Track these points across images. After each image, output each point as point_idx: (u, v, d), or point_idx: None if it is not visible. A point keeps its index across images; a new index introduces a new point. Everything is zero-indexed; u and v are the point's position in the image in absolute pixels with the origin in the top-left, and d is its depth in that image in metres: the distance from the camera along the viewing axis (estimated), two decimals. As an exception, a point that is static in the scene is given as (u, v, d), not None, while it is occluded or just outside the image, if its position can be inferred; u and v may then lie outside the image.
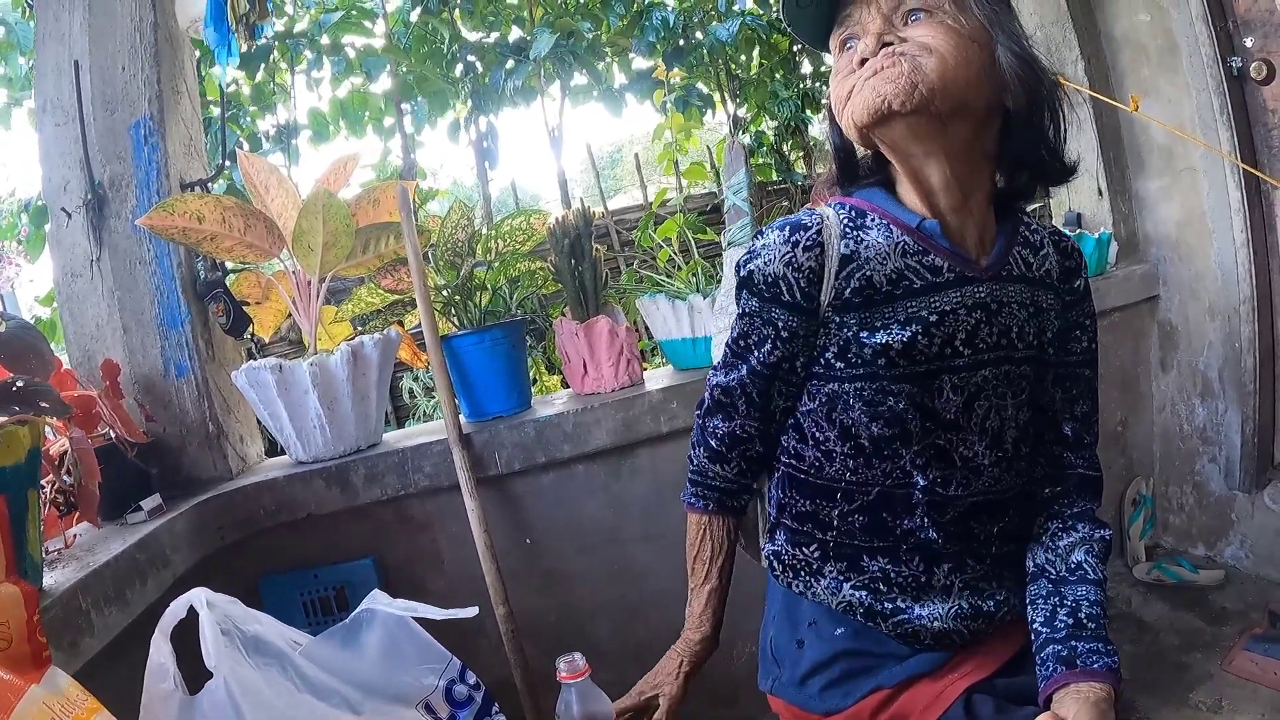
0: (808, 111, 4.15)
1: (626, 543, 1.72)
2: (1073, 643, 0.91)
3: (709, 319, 1.73)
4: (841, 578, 1.00)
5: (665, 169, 3.84)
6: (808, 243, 0.94)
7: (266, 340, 1.89)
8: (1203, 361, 2.22)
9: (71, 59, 1.55)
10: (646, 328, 1.99)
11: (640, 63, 3.47)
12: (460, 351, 1.65)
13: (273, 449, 1.84)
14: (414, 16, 3.05)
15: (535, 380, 2.43)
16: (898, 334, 0.92)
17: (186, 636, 0.96)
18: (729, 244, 1.71)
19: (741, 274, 0.99)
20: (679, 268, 1.92)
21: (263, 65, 2.91)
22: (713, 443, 1.05)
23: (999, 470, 0.98)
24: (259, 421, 1.73)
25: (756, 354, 0.99)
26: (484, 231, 1.76)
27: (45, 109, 1.57)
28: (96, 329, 1.56)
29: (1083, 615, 0.93)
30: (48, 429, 1.18)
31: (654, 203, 2.11)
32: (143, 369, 1.54)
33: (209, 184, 1.70)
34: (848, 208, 0.97)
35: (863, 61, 0.89)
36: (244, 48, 1.68)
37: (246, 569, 1.51)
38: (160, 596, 1.23)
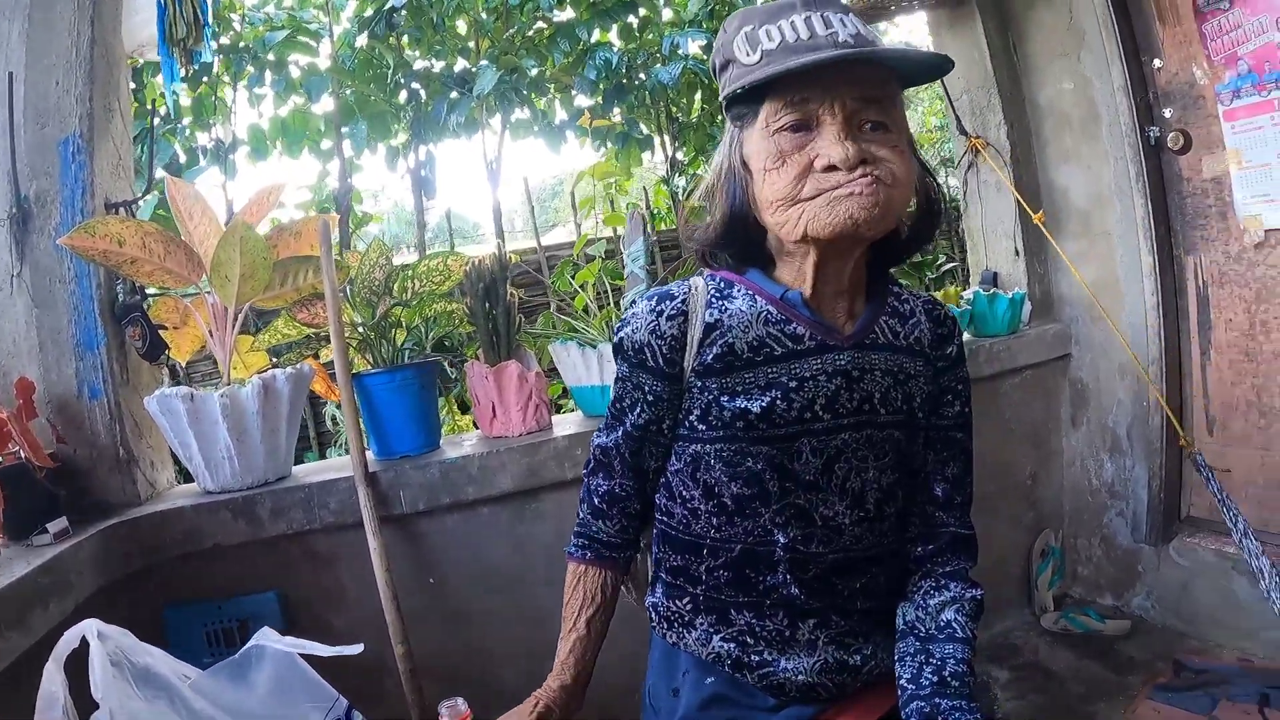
0: None
1: (531, 585, 1.76)
2: (936, 700, 0.95)
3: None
4: (712, 630, 1.05)
5: (601, 209, 3.97)
6: (672, 311, 1.02)
7: (184, 363, 1.94)
8: (1112, 419, 2.36)
9: (6, 69, 1.57)
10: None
11: (582, 100, 3.59)
12: (371, 390, 1.70)
13: (185, 474, 1.89)
14: (361, 40, 3.14)
15: (448, 420, 2.49)
16: (757, 399, 0.98)
17: (83, 665, 0.97)
18: (627, 308, 1.81)
19: (615, 341, 1.07)
20: (594, 314, 1.98)
21: (205, 78, 2.97)
22: (595, 499, 1.12)
23: (860, 530, 1.02)
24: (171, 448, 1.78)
25: (630, 417, 1.07)
26: (402, 271, 1.84)
27: (-26, 118, 1.60)
28: (13, 344, 1.57)
29: (947, 673, 0.97)
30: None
31: (576, 246, 2.21)
32: (57, 389, 1.56)
33: (133, 206, 1.76)
34: (718, 279, 1.04)
35: (829, 168, 0.89)
36: (183, 72, 1.75)
37: (151, 597, 1.53)
38: (62, 621, 1.24)
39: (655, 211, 4.42)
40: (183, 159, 3.01)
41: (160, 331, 1.69)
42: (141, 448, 1.65)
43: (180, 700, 1.01)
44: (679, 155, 4.32)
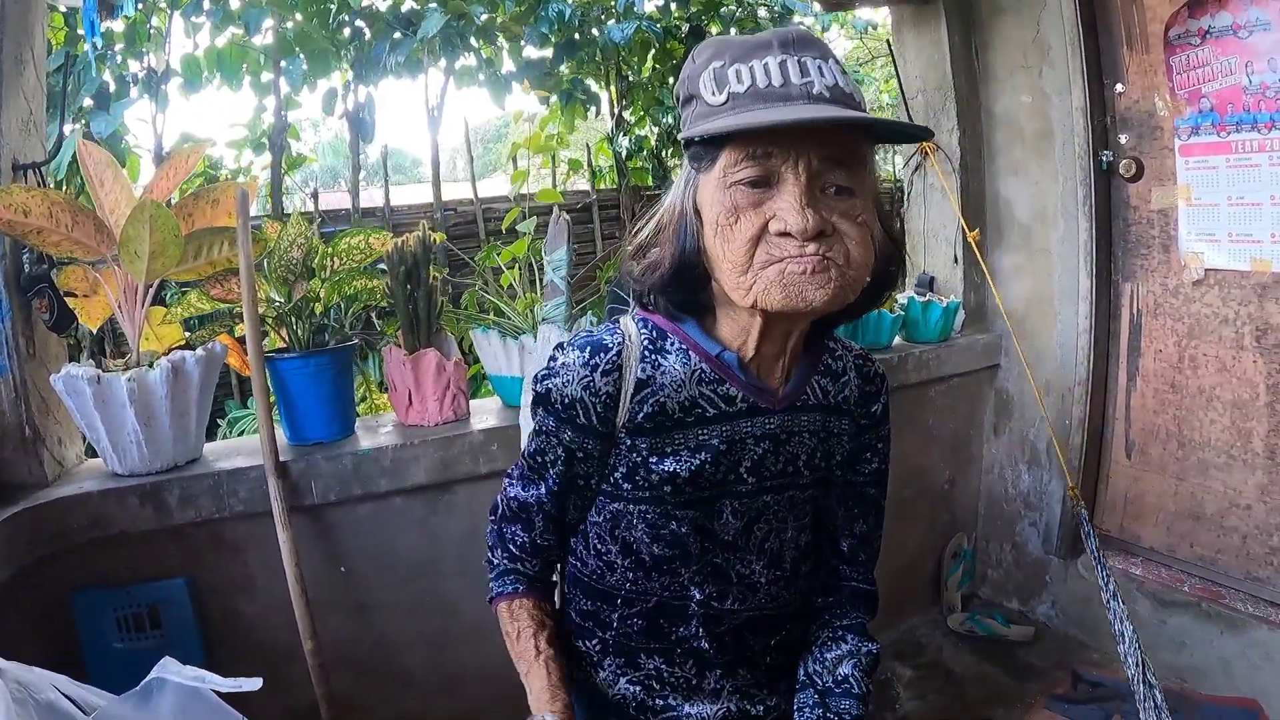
0: None
1: (441, 576, 1.78)
2: None
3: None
4: (620, 672, 1.07)
5: (542, 163, 3.91)
6: (607, 366, 0.95)
7: (94, 330, 1.92)
8: (1033, 433, 2.44)
9: None
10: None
11: (531, 51, 3.51)
12: (285, 374, 1.67)
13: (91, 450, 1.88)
14: (303, -29, 3.03)
15: (365, 398, 2.48)
16: (686, 460, 0.96)
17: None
18: (543, 319, 1.76)
19: (539, 389, 0.99)
20: (520, 296, 1.95)
21: (140, 3, 2.83)
22: (513, 548, 1.08)
23: (776, 588, 1.04)
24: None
25: (552, 472, 1.01)
26: (322, 248, 1.81)
27: None
28: None
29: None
30: None
31: (506, 220, 2.18)
32: None
33: (43, 167, 1.71)
34: (650, 326, 0.99)
35: (784, 233, 0.84)
36: (103, 26, 1.68)
37: (59, 582, 1.51)
38: None
39: (597, 169, 4.38)
40: (112, 88, 2.89)
41: (69, 299, 1.65)
42: (49, 424, 1.60)
43: None
44: (626, 115, 4.28)
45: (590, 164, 4.20)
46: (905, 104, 2.41)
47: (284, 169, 3.36)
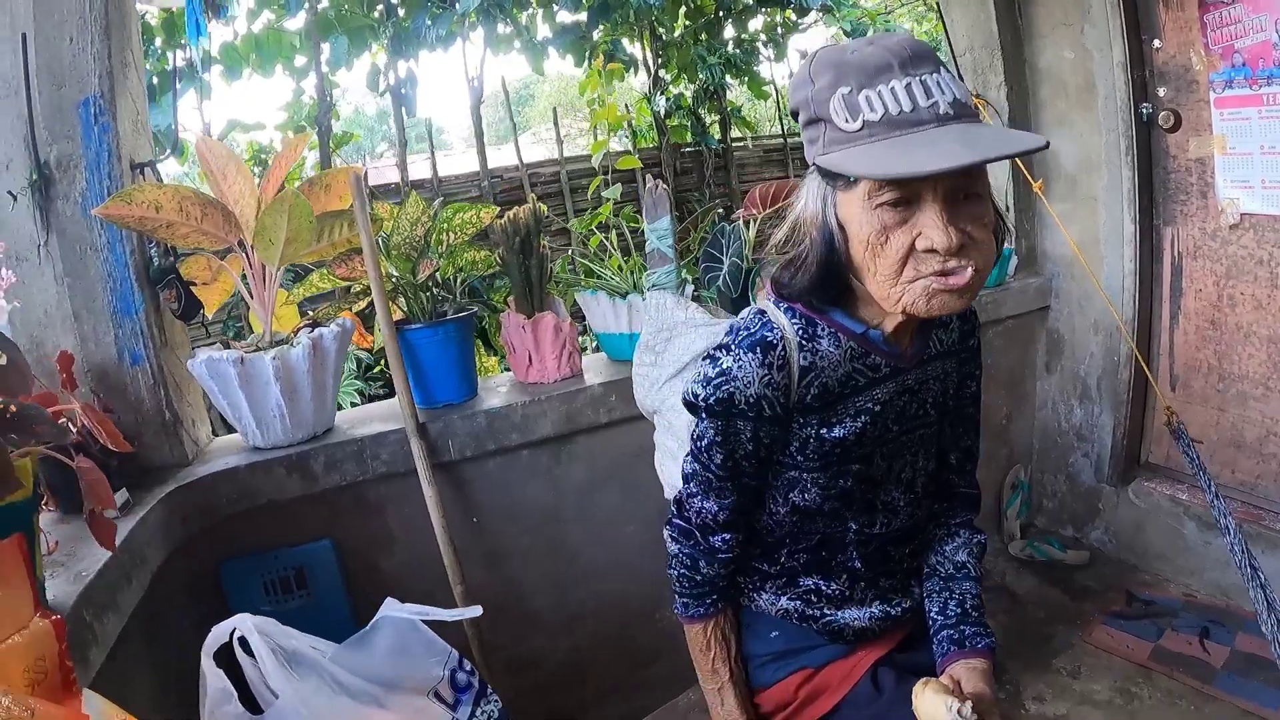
0: (728, 77, 4.40)
1: (563, 523, 1.93)
2: (962, 627, 1.18)
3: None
4: (780, 592, 1.25)
5: (593, 120, 4.04)
6: (779, 362, 1.06)
7: (209, 316, 2.06)
8: (1083, 369, 2.59)
9: (17, 30, 1.52)
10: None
11: (565, 16, 3.62)
12: (415, 343, 1.80)
13: (216, 427, 2.03)
14: (337, -48, 3.12)
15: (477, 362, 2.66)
16: (850, 425, 1.10)
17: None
18: (652, 286, 1.90)
19: (718, 396, 1.08)
20: (612, 253, 2.10)
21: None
22: (721, 557, 1.20)
23: (912, 509, 1.22)
24: (205, 401, 1.84)
25: (746, 466, 1.13)
26: (437, 224, 1.97)
27: (-11, 83, 1.50)
28: (44, 316, 1.57)
29: (968, 605, 1.21)
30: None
31: (590, 186, 2.34)
32: (95, 358, 1.58)
33: (159, 164, 1.84)
34: (799, 315, 1.09)
35: (930, 250, 0.94)
36: (211, 25, 1.82)
37: (209, 554, 1.63)
38: (143, 596, 1.33)
39: (637, 129, 4.51)
40: (154, 81, 2.99)
41: (191, 289, 1.75)
42: (183, 408, 1.71)
43: (328, 674, 1.16)
44: (662, 73, 4.41)
45: (631, 125, 4.33)
46: (955, 61, 2.56)
47: (332, 148, 3.48)
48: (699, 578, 1.23)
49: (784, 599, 1.25)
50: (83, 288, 1.59)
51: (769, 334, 1.08)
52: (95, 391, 1.61)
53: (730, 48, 4.68)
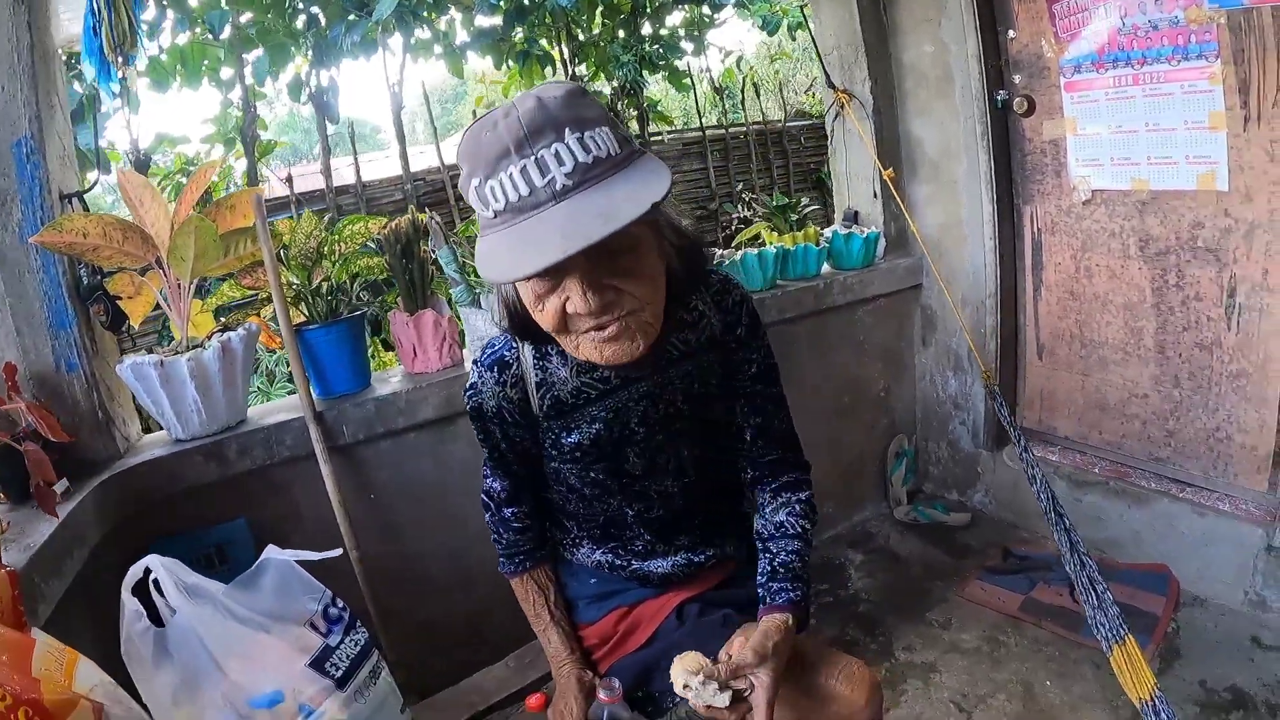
0: (645, 73, 4.83)
1: (451, 494, 2.33)
2: (770, 584, 1.41)
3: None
4: (592, 549, 1.59)
5: None
6: (512, 380, 1.39)
7: (137, 326, 2.51)
8: (954, 342, 3.04)
9: None
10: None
11: (482, 20, 4.06)
12: (312, 342, 2.21)
13: (146, 425, 2.47)
14: (256, -35, 3.55)
15: (374, 357, 3.11)
16: (585, 432, 1.39)
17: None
18: (457, 302, 2.34)
19: (470, 405, 1.44)
20: None
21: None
22: (516, 525, 1.56)
23: (688, 491, 1.50)
24: (135, 402, 2.23)
25: (510, 456, 1.49)
26: (329, 236, 2.41)
27: (-69, 128, 1.85)
28: None
29: (777, 564, 1.43)
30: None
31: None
32: (36, 367, 1.95)
33: (83, 194, 2.28)
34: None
35: (575, 313, 1.14)
36: (121, 75, 2.25)
37: (141, 535, 1.98)
38: (83, 566, 1.70)
39: None
40: (83, 98, 3.43)
41: (118, 302, 2.15)
42: (114, 408, 2.09)
43: (220, 604, 1.53)
44: (579, 71, 4.87)
45: None
46: (821, 61, 3.01)
47: (257, 157, 3.93)
48: (504, 541, 1.59)
49: (597, 553, 1.59)
50: (23, 306, 1.95)
51: (507, 354, 1.40)
52: (37, 396, 1.98)
53: (649, 44, 5.11)
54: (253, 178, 4.01)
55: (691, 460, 1.48)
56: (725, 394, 1.48)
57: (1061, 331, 2.86)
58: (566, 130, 1.06)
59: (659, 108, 5.82)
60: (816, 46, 3.02)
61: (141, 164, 3.51)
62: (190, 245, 2.09)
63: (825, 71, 2.98)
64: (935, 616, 2.64)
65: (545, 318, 1.17)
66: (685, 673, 1.25)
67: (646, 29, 5.25)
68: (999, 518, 3.10)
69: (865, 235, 2.93)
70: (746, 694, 1.26)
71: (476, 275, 2.39)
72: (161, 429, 2.20)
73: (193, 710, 1.43)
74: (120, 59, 2.21)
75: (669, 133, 6.16)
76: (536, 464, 1.52)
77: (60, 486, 1.79)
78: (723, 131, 6.58)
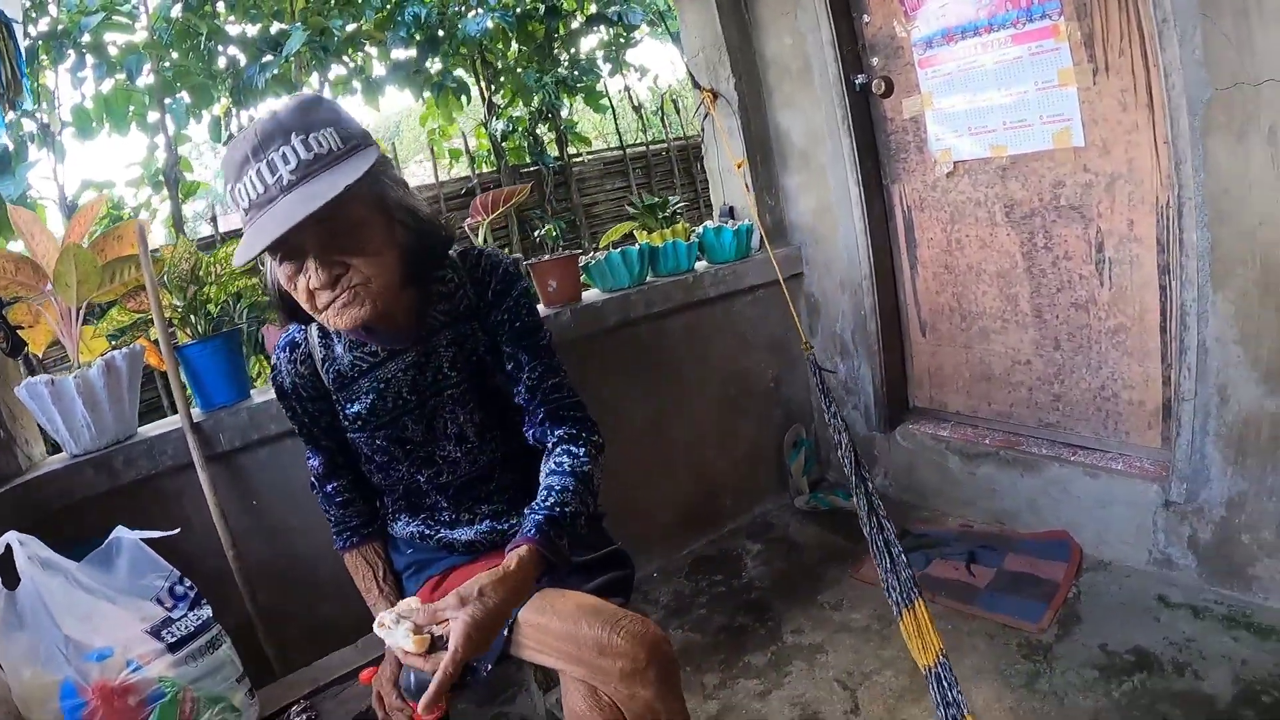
0: (563, 96, 5.26)
1: None
2: (527, 514, 1.53)
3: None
4: (406, 521, 1.84)
5: (436, 150, 4.87)
6: (301, 357, 1.71)
7: (40, 355, 2.90)
8: (839, 327, 3.37)
9: None
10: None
11: (399, 53, 4.49)
12: (190, 357, 2.55)
13: (55, 448, 2.83)
14: (176, 11, 3.99)
15: (261, 373, 3.45)
16: (362, 402, 1.68)
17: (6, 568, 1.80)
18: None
19: (274, 385, 1.76)
20: None
21: (26, 69, 3.81)
22: (337, 499, 1.85)
23: (473, 456, 1.74)
24: (39, 426, 2.56)
25: (316, 432, 1.79)
26: (203, 258, 2.79)
27: None
28: None
29: (534, 503, 1.55)
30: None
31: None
32: None
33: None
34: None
35: (314, 287, 1.44)
36: (8, 118, 2.68)
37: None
38: None
39: (476, 154, 5.39)
40: (11, 148, 3.89)
41: (18, 331, 2.51)
42: (16, 429, 2.41)
43: (71, 576, 1.88)
44: (496, 99, 5.32)
45: (469, 150, 5.19)
46: (687, 65, 3.38)
47: (182, 198, 4.38)
48: (333, 518, 1.88)
49: (411, 525, 1.85)
50: None
51: (297, 335, 1.73)
52: None
53: (565, 68, 5.56)
54: (177, 218, 4.45)
55: (471, 425, 1.74)
56: (496, 360, 1.72)
57: (941, 306, 3.16)
58: (292, 135, 1.37)
59: (577, 129, 6.22)
60: (683, 51, 3.37)
61: (71, 210, 3.95)
62: (72, 273, 2.44)
63: (690, 73, 3.33)
64: (827, 599, 2.86)
65: (300, 298, 1.48)
66: (387, 614, 1.38)
67: (562, 55, 5.68)
68: (900, 499, 3.41)
69: (736, 228, 3.26)
70: (441, 641, 1.35)
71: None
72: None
73: (38, 669, 1.74)
74: (6, 104, 2.61)
75: (589, 153, 6.57)
76: (341, 436, 1.80)
77: (-42, 500, 2.14)
78: (644, 150, 7.00)
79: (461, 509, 1.80)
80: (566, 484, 1.57)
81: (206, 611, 2.03)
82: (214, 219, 4.64)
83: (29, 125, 4.09)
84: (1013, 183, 2.80)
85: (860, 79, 3.10)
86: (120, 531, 2.02)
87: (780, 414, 3.58)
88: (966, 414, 3.18)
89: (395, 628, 1.35)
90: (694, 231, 3.30)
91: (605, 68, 6.10)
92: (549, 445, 1.69)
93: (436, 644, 1.34)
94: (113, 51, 4.06)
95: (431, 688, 1.30)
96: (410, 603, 1.44)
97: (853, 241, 3.23)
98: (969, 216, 2.97)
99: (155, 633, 1.89)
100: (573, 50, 5.80)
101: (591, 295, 3.16)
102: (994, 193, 2.87)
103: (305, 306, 1.51)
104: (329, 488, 1.87)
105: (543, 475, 1.63)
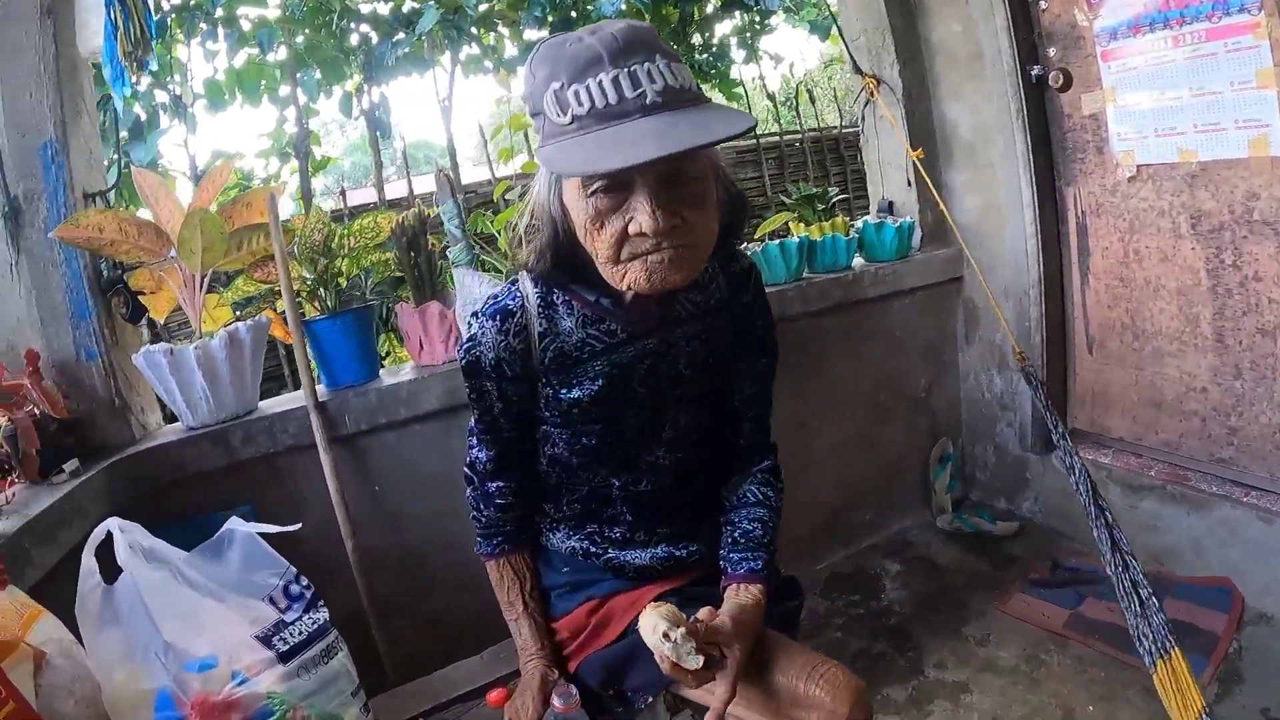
0: (697, 82, 4.96)
1: (457, 488, 2.34)
2: (731, 554, 1.47)
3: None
4: (569, 534, 1.58)
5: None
6: (516, 328, 1.37)
7: (162, 320, 2.70)
8: (998, 337, 3.05)
9: None
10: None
11: (532, 34, 4.24)
12: (319, 333, 2.38)
13: (172, 417, 2.65)
14: (308, -13, 3.83)
15: (390, 353, 3.23)
16: (586, 388, 1.39)
17: (108, 555, 1.62)
18: (454, 264, 2.44)
19: (468, 359, 1.42)
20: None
21: (160, 39, 3.66)
22: (499, 501, 1.56)
23: (678, 468, 1.50)
24: (157, 395, 2.44)
25: (503, 423, 1.47)
26: (338, 230, 2.55)
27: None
28: (17, 323, 2.16)
29: (738, 533, 1.48)
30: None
31: (495, 190, 2.88)
32: (59, 355, 2.16)
33: (108, 194, 2.49)
34: (540, 287, 1.38)
35: (641, 234, 1.15)
36: (135, 80, 2.46)
37: (148, 518, 1.93)
38: (83, 538, 1.77)
39: None
40: (144, 118, 3.74)
41: (139, 297, 2.35)
42: (132, 397, 2.30)
43: (177, 570, 1.67)
44: None
45: None
46: (848, 47, 3.05)
47: (311, 172, 4.20)
48: (484, 519, 1.60)
49: (572, 539, 1.59)
50: (46, 298, 2.17)
51: (511, 303, 1.39)
52: (58, 383, 2.21)
53: (699, 54, 5.24)
54: (305, 190, 4.28)
55: (687, 429, 1.50)
56: (730, 363, 1.52)
57: (1112, 322, 2.85)
58: (657, 55, 1.13)
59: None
60: (842, 33, 3.05)
61: (199, 180, 3.81)
62: (197, 238, 2.28)
63: (852, 57, 3.02)
64: (972, 632, 2.60)
65: (604, 239, 1.20)
66: (664, 621, 1.23)
67: (697, 39, 5.37)
68: (1049, 527, 3.07)
69: (898, 225, 2.95)
70: (715, 663, 1.25)
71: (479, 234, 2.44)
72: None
73: (132, 669, 1.53)
74: (135, 65, 2.39)
75: (721, 142, 6.20)
76: (528, 428, 1.52)
77: (70, 465, 1.99)
78: (778, 139, 6.61)
79: (640, 526, 1.56)
80: (774, 521, 1.52)
81: (323, 615, 1.79)
82: (343, 193, 4.46)
83: (161, 96, 3.97)
84: (1201, 192, 2.49)
85: (1036, 70, 2.80)
86: (234, 523, 1.82)
87: (928, 425, 3.27)
88: (1130, 441, 2.83)
89: (683, 643, 1.21)
90: (853, 226, 2.96)
91: (739, 54, 5.78)
92: (753, 471, 1.58)
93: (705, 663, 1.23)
94: (245, 26, 3.90)
95: (711, 717, 1.27)
96: (670, 610, 1.27)
97: (1020, 246, 2.91)
98: (1150, 226, 2.66)
99: (265, 639, 1.65)
100: (707, 35, 5.48)
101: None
102: (1180, 202, 2.55)
103: (603, 249, 1.21)
104: (491, 486, 1.57)
105: (750, 502, 1.53)
